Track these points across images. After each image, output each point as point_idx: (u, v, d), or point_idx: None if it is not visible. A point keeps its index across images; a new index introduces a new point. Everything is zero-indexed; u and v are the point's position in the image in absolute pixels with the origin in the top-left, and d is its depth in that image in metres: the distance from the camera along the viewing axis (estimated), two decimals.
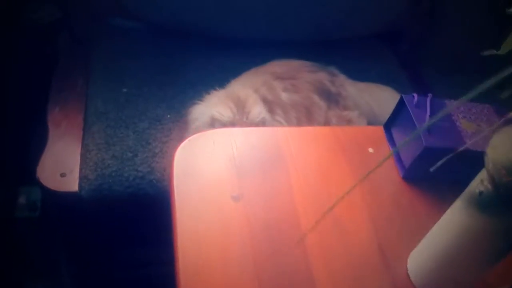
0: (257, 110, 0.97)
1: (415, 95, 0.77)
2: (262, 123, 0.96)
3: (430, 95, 0.78)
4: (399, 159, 0.77)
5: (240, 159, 0.73)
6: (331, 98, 1.15)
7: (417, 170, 0.74)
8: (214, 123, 0.93)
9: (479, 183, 0.54)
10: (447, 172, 0.63)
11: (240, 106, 0.94)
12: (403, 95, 0.78)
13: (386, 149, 0.80)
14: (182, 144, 0.74)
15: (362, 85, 1.22)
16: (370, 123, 1.18)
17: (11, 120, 1.25)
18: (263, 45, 1.29)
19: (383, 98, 1.20)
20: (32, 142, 1.10)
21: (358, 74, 1.27)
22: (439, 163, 0.66)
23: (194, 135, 0.77)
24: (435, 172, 0.60)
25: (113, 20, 1.34)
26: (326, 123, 1.13)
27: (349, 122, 1.15)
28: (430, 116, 0.74)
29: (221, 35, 1.30)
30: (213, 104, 0.95)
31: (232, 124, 0.92)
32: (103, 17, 1.34)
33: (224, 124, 0.92)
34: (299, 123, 1.09)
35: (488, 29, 1.42)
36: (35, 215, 1.26)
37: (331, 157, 0.77)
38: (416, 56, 1.50)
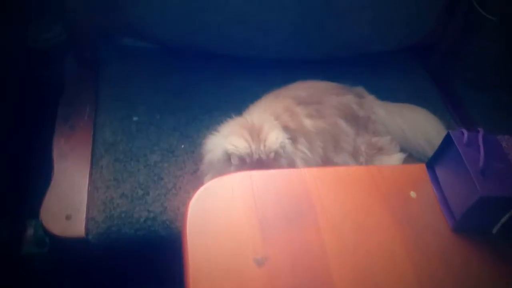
0: (274, 135, 0.87)
1: (464, 131, 0.67)
2: (282, 149, 0.86)
3: (481, 130, 0.67)
4: (447, 207, 0.67)
5: (263, 210, 0.64)
6: (360, 123, 1.05)
7: (471, 221, 0.63)
8: (229, 157, 0.84)
9: None
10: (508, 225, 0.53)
11: (255, 134, 0.84)
12: (450, 132, 0.67)
13: (431, 192, 0.70)
14: (196, 194, 0.65)
15: (392, 107, 1.12)
16: (403, 149, 1.07)
17: (16, 152, 1.18)
18: (285, 65, 1.20)
19: (417, 121, 1.10)
20: (38, 175, 1.03)
21: (387, 92, 1.17)
22: (503, 219, 0.56)
23: (210, 182, 0.67)
24: (492, 224, 0.50)
25: (123, 40, 1.26)
26: (355, 151, 1.03)
27: (380, 149, 1.04)
28: (485, 156, 0.64)
29: (239, 55, 1.21)
30: (226, 136, 0.86)
31: (249, 155, 0.83)
32: (112, 37, 1.26)
33: (240, 157, 0.83)
34: (325, 153, 0.99)
35: None
36: (44, 251, 1.18)
37: (368, 204, 0.67)
38: (448, 71, 1.38)
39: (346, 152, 1.01)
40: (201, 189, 0.66)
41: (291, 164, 0.88)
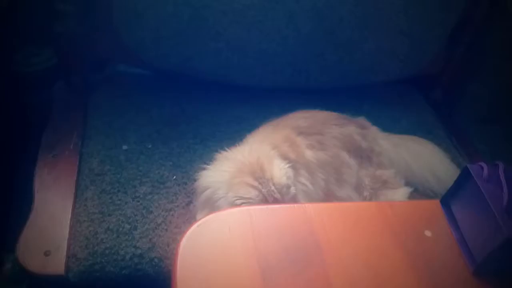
0: (277, 169, 0.81)
1: (484, 164, 0.61)
2: (289, 180, 0.80)
3: (501, 164, 0.62)
4: (466, 248, 0.60)
5: (263, 250, 0.57)
6: (363, 155, 0.99)
7: (494, 264, 0.57)
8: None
9: None
10: None
11: (259, 175, 0.78)
12: (468, 165, 0.61)
13: (447, 231, 0.63)
14: (189, 231, 0.58)
15: (397, 139, 1.07)
16: (408, 182, 1.01)
17: None
18: (283, 94, 1.15)
19: (422, 154, 1.05)
20: (18, 206, 0.95)
21: (389, 123, 1.13)
22: None
23: (204, 218, 0.61)
24: None
25: (115, 66, 1.21)
26: (358, 184, 0.97)
27: (384, 182, 0.99)
28: (508, 192, 0.58)
29: (236, 83, 1.16)
30: (229, 185, 0.79)
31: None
32: (104, 63, 1.21)
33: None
34: (327, 186, 0.93)
35: None
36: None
37: (380, 244, 0.61)
38: (451, 103, 1.35)
39: (349, 185, 0.95)
40: (195, 225, 0.59)
41: (293, 198, 0.82)
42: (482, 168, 0.61)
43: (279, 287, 0.54)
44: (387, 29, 1.14)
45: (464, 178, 0.62)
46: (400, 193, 0.98)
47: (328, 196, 0.92)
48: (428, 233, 0.62)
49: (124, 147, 1.00)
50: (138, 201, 0.90)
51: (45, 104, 1.10)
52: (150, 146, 1.02)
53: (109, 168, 0.95)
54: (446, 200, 0.65)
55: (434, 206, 0.66)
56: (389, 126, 1.10)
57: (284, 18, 1.07)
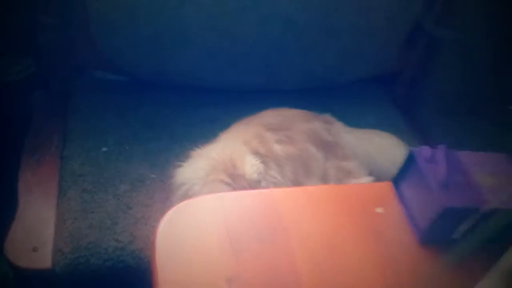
0: (249, 165, 0.88)
1: (425, 147, 0.69)
2: (259, 175, 0.87)
3: (443, 146, 0.70)
4: (413, 220, 0.68)
5: (235, 230, 0.63)
6: (329, 149, 1.07)
7: (436, 232, 0.65)
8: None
9: None
10: (470, 234, 0.55)
11: (232, 171, 0.85)
12: (411, 149, 0.69)
13: (397, 207, 0.71)
14: (165, 217, 0.64)
15: (360, 133, 1.15)
16: (371, 172, 1.09)
17: None
18: (255, 95, 1.22)
19: (383, 146, 1.13)
20: (2, 211, 1.00)
21: (355, 120, 1.20)
22: (463, 227, 0.57)
23: (180, 204, 0.67)
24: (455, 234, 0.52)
25: (93, 73, 1.27)
26: (325, 175, 1.04)
27: (348, 173, 1.06)
28: (446, 170, 0.66)
29: (211, 86, 1.23)
30: (203, 182, 0.86)
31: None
32: (83, 70, 1.27)
33: None
34: (295, 177, 1.00)
35: (483, 72, 1.38)
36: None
37: (337, 222, 0.68)
38: (413, 98, 1.44)
39: (316, 177, 1.03)
40: (170, 211, 0.65)
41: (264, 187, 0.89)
42: (423, 150, 0.69)
43: (250, 264, 0.60)
44: (350, 32, 1.22)
45: (409, 160, 0.70)
46: (363, 182, 1.06)
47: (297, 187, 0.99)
48: (379, 209, 0.70)
49: (104, 149, 1.05)
50: (119, 199, 0.96)
51: (26, 111, 1.15)
52: (128, 148, 1.07)
53: (90, 169, 1.01)
54: (396, 180, 0.73)
55: (386, 187, 0.74)
56: (355, 122, 1.18)
57: (255, 24, 1.14)
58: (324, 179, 1.04)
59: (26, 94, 1.19)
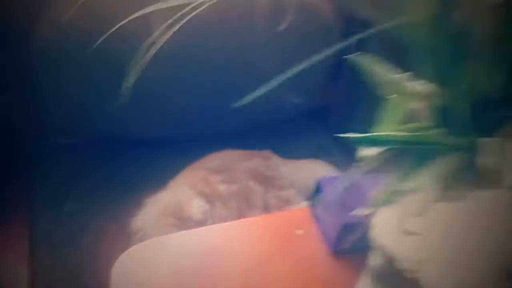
0: (195, 208, 1.02)
1: (329, 176, 0.84)
2: (204, 215, 1.01)
3: (340, 175, 0.85)
4: (326, 237, 0.82)
5: (178, 271, 0.76)
6: (267, 182, 1.21)
7: (344, 245, 0.79)
8: None
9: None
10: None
11: (180, 213, 0.99)
12: (320, 178, 0.84)
13: (314, 228, 0.85)
14: (119, 259, 0.77)
15: (296, 163, 1.30)
16: (307, 198, 1.23)
17: None
18: (199, 141, 1.36)
19: (316, 173, 1.28)
20: None
21: (294, 152, 1.35)
22: (351, 238, 0.72)
23: (130, 249, 0.80)
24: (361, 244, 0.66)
25: (52, 137, 1.39)
26: (266, 205, 1.18)
27: (287, 201, 1.20)
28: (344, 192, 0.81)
29: (159, 137, 1.37)
30: (156, 228, 1.00)
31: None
32: (42, 136, 1.39)
33: None
34: (240, 211, 1.14)
35: None
36: None
37: (264, 246, 0.81)
38: (346, 126, 1.60)
39: (258, 208, 1.17)
40: (122, 255, 0.78)
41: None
42: (329, 179, 0.84)
43: None
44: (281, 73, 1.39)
45: (318, 188, 0.85)
46: (301, 207, 1.20)
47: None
48: (299, 231, 0.84)
49: (67, 207, 1.18)
50: (83, 250, 1.08)
51: None
52: (90, 203, 1.20)
53: (56, 227, 1.12)
54: (312, 205, 0.88)
55: (305, 211, 0.89)
56: (294, 154, 1.34)
57: (190, 76, 1.30)
58: (266, 209, 1.18)
59: None
